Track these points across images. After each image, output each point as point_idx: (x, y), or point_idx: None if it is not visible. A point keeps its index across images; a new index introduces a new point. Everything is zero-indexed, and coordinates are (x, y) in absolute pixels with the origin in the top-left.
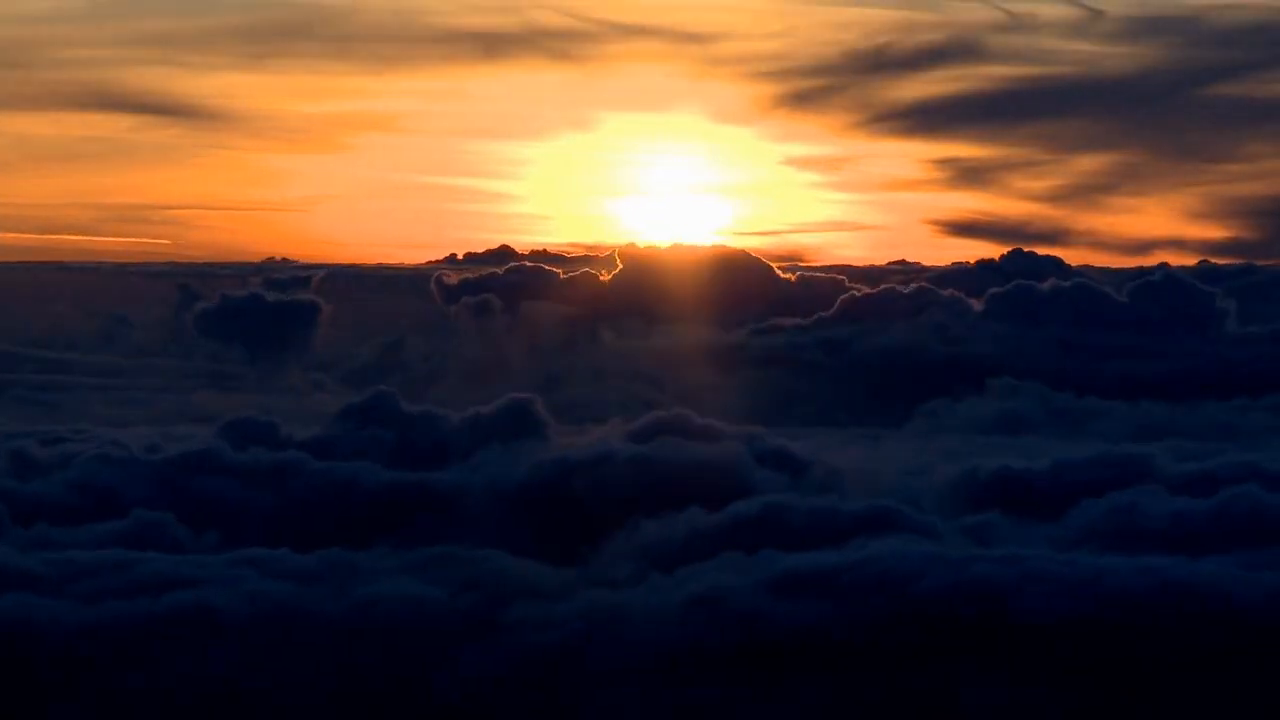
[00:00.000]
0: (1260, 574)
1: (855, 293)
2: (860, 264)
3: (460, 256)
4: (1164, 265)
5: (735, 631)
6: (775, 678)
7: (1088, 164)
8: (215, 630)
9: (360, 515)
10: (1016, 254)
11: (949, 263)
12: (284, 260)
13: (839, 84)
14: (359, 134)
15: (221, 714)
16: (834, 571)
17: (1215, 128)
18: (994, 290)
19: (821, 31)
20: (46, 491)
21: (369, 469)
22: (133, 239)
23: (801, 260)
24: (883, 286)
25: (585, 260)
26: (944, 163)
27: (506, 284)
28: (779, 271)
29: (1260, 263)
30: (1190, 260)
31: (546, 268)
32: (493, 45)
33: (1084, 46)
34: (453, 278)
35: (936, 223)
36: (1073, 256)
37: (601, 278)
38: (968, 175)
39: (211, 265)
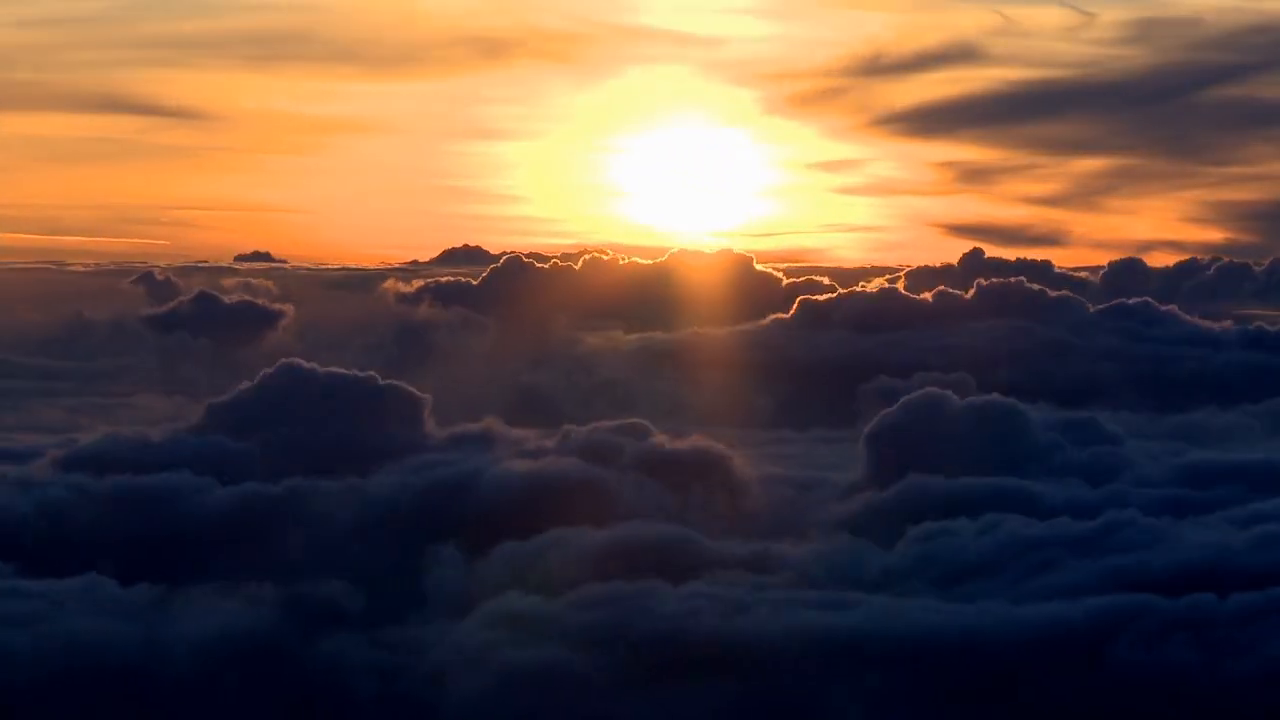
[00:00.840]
0: None
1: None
2: (863, 265)
3: (425, 259)
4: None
5: None
6: None
7: (1086, 166)
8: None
9: (193, 539)
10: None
11: (940, 264)
12: (278, 261)
13: (839, 86)
14: (362, 135)
15: None
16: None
17: (1213, 130)
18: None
19: (822, 35)
20: None
21: (202, 488)
22: (133, 240)
23: (801, 262)
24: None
25: (571, 258)
26: (945, 165)
27: (461, 289)
28: (774, 274)
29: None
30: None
31: (532, 263)
32: (493, 48)
33: (1083, 49)
34: (411, 285)
35: (938, 224)
36: (1072, 257)
37: (575, 274)
38: (969, 177)
39: (198, 265)
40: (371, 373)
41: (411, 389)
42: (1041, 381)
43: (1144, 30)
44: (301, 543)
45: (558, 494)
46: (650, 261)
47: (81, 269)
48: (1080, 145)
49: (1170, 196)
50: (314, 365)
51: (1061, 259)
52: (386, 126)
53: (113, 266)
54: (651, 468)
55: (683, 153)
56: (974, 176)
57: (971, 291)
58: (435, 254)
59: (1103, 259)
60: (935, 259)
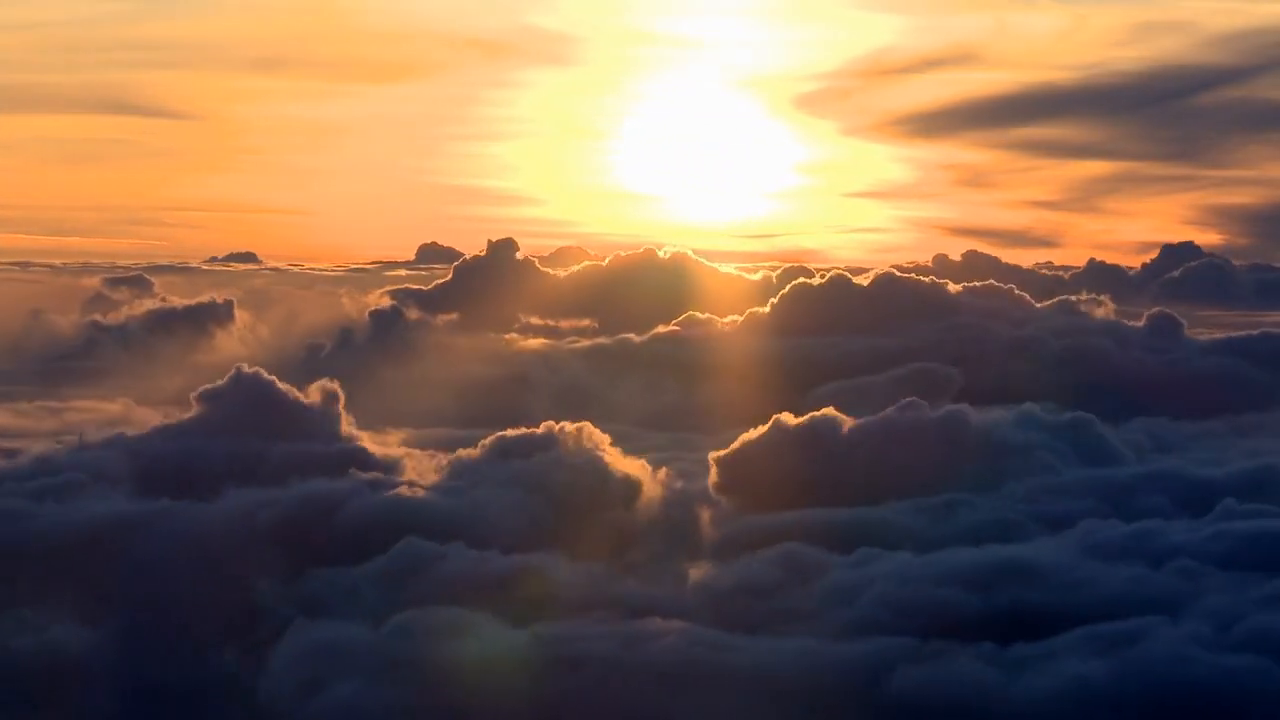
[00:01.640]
0: None
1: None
2: (862, 266)
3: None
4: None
5: None
6: None
7: (1085, 169)
8: None
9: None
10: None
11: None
12: (256, 262)
13: (841, 89)
14: (366, 137)
15: None
16: None
17: (1211, 134)
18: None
19: (824, 38)
20: None
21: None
22: (130, 241)
23: (802, 264)
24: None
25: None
26: (946, 167)
27: (425, 290)
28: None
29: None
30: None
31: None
32: (496, 50)
33: (1083, 52)
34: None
35: (939, 226)
36: (1071, 258)
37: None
38: (969, 180)
39: (170, 266)
40: (291, 387)
41: (331, 401)
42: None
43: (1143, 33)
44: (134, 565)
45: (405, 520)
46: (599, 262)
47: (47, 268)
48: (1079, 148)
49: (1168, 199)
50: (257, 372)
51: (1060, 260)
52: (389, 127)
53: (78, 266)
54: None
55: (683, 153)
56: (975, 178)
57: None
58: (418, 253)
59: (1105, 259)
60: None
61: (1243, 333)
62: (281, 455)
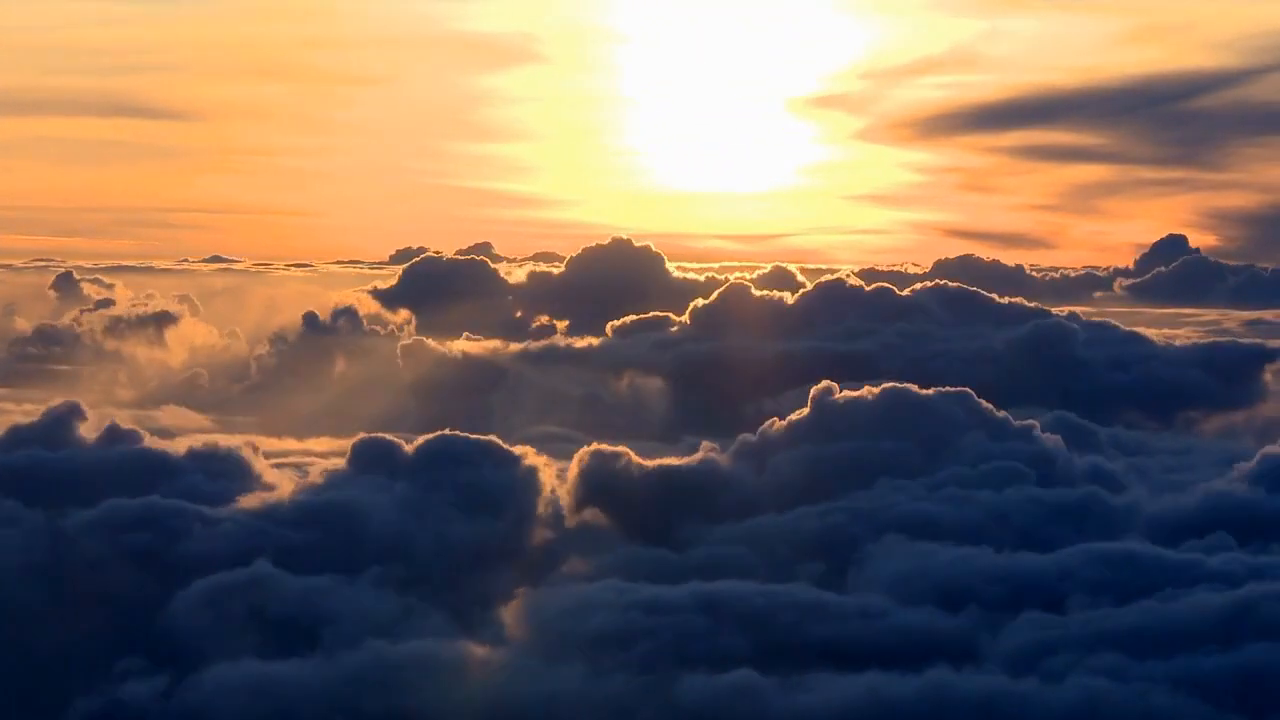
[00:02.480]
0: None
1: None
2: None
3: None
4: None
5: None
6: None
7: (1084, 172)
8: None
9: None
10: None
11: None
12: (229, 261)
13: (839, 92)
14: (370, 139)
15: None
16: None
17: (1209, 136)
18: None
19: (825, 40)
20: None
21: None
22: (133, 241)
23: (800, 265)
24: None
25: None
26: (947, 170)
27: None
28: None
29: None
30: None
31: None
32: (503, 51)
33: (1082, 55)
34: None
35: (937, 228)
36: (1069, 260)
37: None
38: (969, 182)
39: (124, 267)
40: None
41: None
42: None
43: (1141, 37)
44: None
45: None
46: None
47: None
48: (1078, 152)
49: (1165, 202)
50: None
51: (1061, 263)
52: (392, 129)
53: (39, 265)
54: None
55: (683, 155)
56: (975, 181)
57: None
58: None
59: (1101, 262)
60: (926, 261)
61: (1208, 340)
62: None
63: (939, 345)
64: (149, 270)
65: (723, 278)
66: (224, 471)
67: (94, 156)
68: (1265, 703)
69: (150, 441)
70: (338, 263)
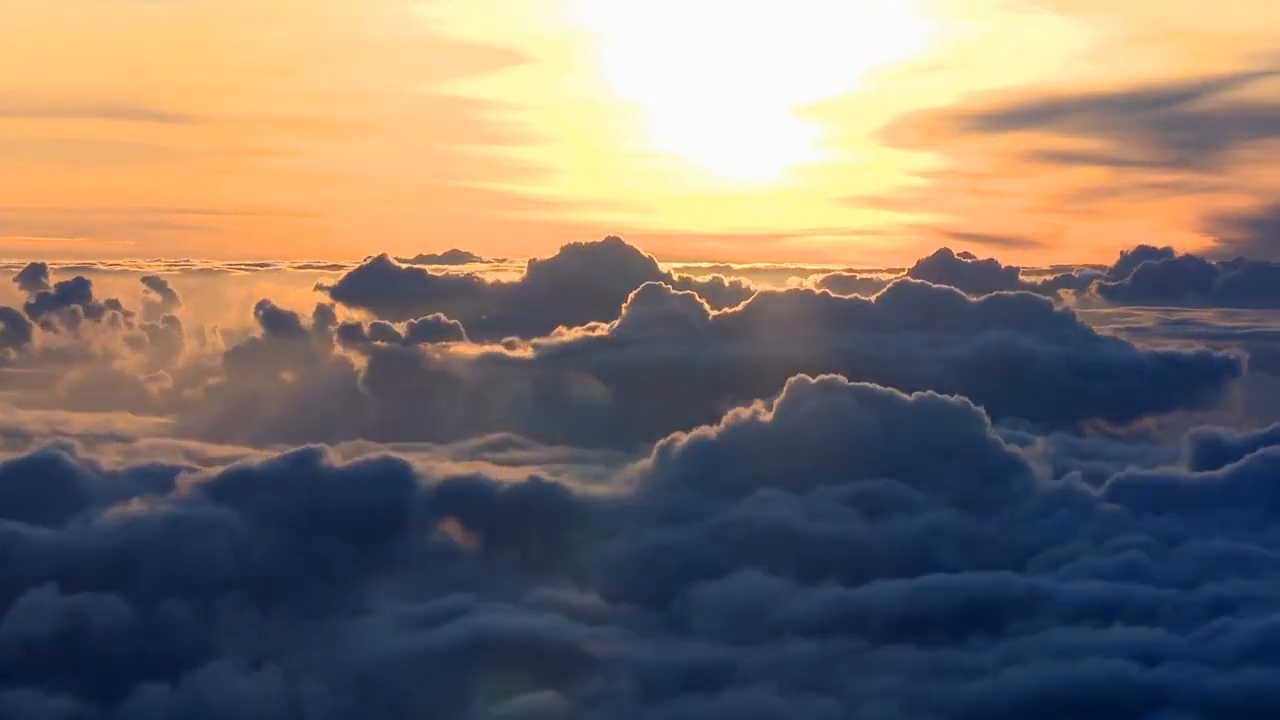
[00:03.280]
0: None
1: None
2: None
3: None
4: None
5: None
6: None
7: (1083, 173)
8: None
9: None
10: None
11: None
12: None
13: (839, 93)
14: (375, 140)
15: None
16: None
17: (1208, 139)
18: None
19: (826, 42)
20: None
21: None
22: (135, 241)
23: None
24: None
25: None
26: (946, 172)
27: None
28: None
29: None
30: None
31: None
32: (504, 55)
33: (1080, 58)
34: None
35: (936, 229)
36: (1068, 261)
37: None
38: (969, 184)
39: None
40: None
41: None
42: None
43: (1141, 39)
44: None
45: None
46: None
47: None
48: (1077, 154)
49: (1163, 204)
50: None
51: (1057, 262)
52: (394, 130)
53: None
54: None
55: (684, 155)
56: (975, 183)
57: None
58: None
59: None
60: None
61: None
62: None
63: (891, 352)
64: (123, 271)
65: (699, 279)
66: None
67: (95, 156)
68: None
69: None
70: (328, 266)
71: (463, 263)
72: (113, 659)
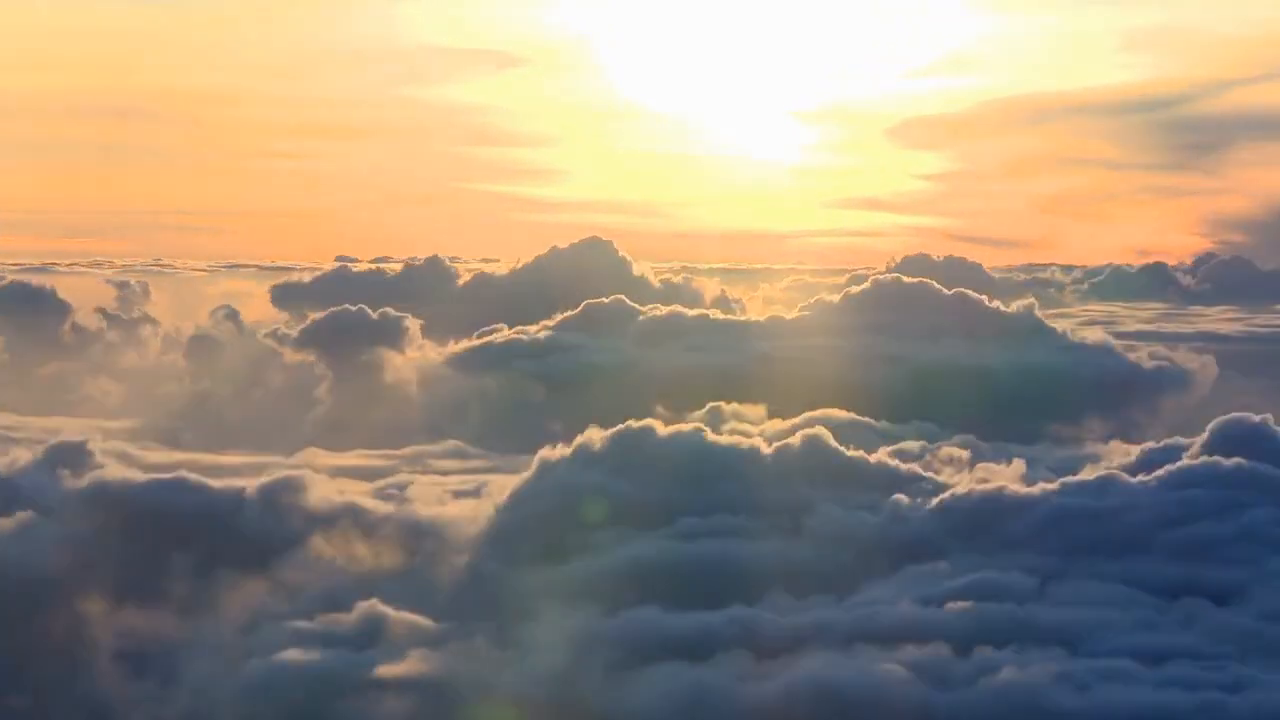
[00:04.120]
0: None
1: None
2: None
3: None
4: None
5: None
6: None
7: (1083, 174)
8: None
9: None
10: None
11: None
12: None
13: (839, 95)
14: (378, 140)
15: None
16: None
17: (1206, 140)
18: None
19: (825, 44)
20: None
21: None
22: (134, 241)
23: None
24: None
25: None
26: (946, 174)
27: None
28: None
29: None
30: None
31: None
32: (504, 58)
33: (1079, 60)
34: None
35: (934, 231)
36: (1067, 261)
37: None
38: (968, 185)
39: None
40: None
41: None
42: None
43: (1141, 41)
44: None
45: None
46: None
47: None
48: (1077, 156)
49: (1165, 206)
50: None
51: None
52: (397, 132)
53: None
54: None
55: (683, 156)
56: (975, 184)
57: None
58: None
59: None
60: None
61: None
62: None
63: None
64: (85, 274)
65: (681, 280)
66: None
67: (95, 158)
68: None
69: None
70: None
71: (454, 263)
72: None
